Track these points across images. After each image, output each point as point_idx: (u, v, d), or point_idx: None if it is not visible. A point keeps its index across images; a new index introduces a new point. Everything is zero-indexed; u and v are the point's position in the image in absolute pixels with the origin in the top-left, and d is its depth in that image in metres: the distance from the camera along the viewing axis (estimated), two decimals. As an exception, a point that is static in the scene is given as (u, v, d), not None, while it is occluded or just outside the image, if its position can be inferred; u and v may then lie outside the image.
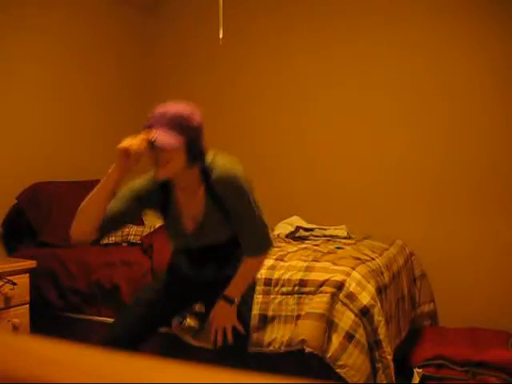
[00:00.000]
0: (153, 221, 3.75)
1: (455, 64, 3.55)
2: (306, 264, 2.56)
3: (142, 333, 2.10)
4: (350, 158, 3.85)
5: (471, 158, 3.50)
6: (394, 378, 2.29)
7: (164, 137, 1.76)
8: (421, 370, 2.59)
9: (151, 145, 1.79)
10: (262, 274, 2.52)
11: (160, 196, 2.01)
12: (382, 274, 2.65)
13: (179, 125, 1.78)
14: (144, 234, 3.32)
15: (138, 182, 2.08)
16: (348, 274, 2.41)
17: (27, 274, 2.86)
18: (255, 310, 2.45)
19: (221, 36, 2.50)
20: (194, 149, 1.84)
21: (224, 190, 1.87)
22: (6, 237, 3.31)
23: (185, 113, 1.81)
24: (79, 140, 3.91)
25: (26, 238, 3.31)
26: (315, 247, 3.02)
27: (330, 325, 2.30)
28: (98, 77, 4.09)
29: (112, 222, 1.97)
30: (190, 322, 2.57)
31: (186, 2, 4.44)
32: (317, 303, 2.34)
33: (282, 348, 2.36)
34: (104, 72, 4.14)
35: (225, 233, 2.00)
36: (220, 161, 1.89)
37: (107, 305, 2.85)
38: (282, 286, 2.47)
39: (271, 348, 2.38)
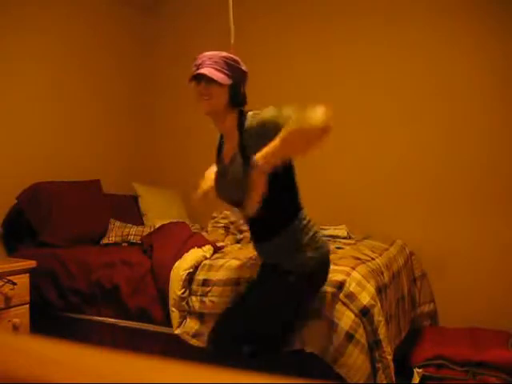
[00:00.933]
0: (153, 221, 3.76)
1: (455, 64, 3.55)
2: (306, 264, 2.55)
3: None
4: (350, 158, 3.85)
5: (471, 158, 3.50)
6: (393, 378, 2.29)
7: (213, 70, 1.89)
8: (421, 370, 2.59)
9: (200, 78, 1.91)
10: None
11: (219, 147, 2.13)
12: (382, 274, 2.65)
13: (228, 64, 1.93)
14: (144, 233, 3.32)
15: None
16: (348, 274, 2.41)
17: (27, 274, 2.86)
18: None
19: (232, 41, 2.56)
20: (238, 91, 1.98)
21: (250, 139, 1.92)
22: (6, 237, 3.31)
23: (234, 57, 1.97)
24: (79, 140, 3.91)
25: (26, 238, 3.31)
26: (315, 247, 3.01)
27: (329, 325, 2.30)
28: (98, 77, 4.09)
29: None
30: (190, 322, 2.57)
31: (186, 2, 4.44)
32: (317, 303, 2.34)
33: (284, 349, 2.36)
34: (104, 72, 4.14)
35: (241, 192, 1.93)
36: (257, 111, 1.98)
37: (107, 305, 2.85)
38: (282, 286, 2.47)
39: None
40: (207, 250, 2.84)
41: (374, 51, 3.77)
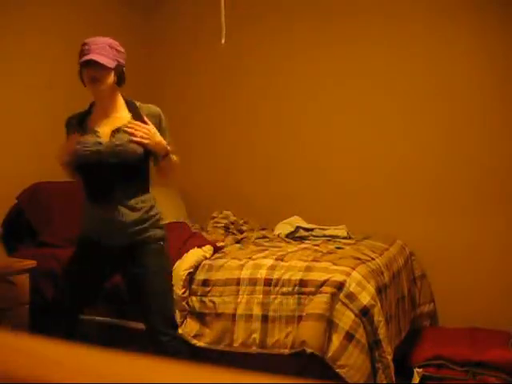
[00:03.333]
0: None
1: (455, 64, 3.55)
2: (305, 264, 2.56)
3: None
4: (350, 158, 3.85)
5: (471, 158, 3.50)
6: (393, 378, 2.29)
7: (100, 56, 2.13)
8: (421, 370, 2.59)
9: (90, 63, 2.13)
10: (263, 274, 2.53)
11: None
12: (382, 273, 2.65)
13: (110, 49, 2.18)
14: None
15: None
16: (348, 274, 2.41)
17: (27, 274, 2.85)
18: (256, 311, 2.45)
19: (223, 41, 2.62)
20: (122, 72, 2.28)
21: (155, 123, 2.27)
22: (6, 237, 3.30)
23: (113, 41, 2.22)
24: (79, 140, 3.91)
25: (26, 238, 3.30)
26: (315, 247, 3.02)
27: (330, 325, 2.30)
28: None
29: None
30: (190, 322, 2.57)
31: (186, 2, 4.44)
32: (317, 303, 2.35)
33: (286, 351, 2.36)
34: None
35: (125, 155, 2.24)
36: (140, 102, 2.42)
37: (107, 305, 2.85)
38: (282, 286, 2.47)
39: (275, 350, 2.39)
40: (207, 250, 2.84)
41: (374, 51, 3.77)
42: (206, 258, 2.76)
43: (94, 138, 2.18)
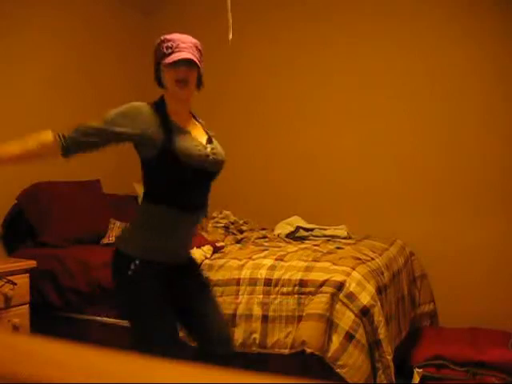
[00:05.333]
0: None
1: (456, 64, 3.55)
2: (306, 264, 2.56)
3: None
4: (351, 158, 3.85)
5: (471, 158, 3.50)
6: (393, 378, 2.29)
7: (193, 56, 1.88)
8: (421, 370, 2.59)
9: (180, 63, 1.87)
10: (263, 274, 2.53)
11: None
12: (382, 274, 2.65)
13: (197, 50, 1.92)
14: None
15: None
16: (348, 274, 2.41)
17: (27, 274, 2.85)
18: (256, 311, 2.45)
19: (230, 36, 2.47)
20: (201, 76, 1.99)
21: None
22: (6, 237, 3.31)
23: (197, 41, 1.95)
24: (79, 140, 3.91)
25: (26, 238, 3.31)
26: (315, 247, 3.02)
27: (330, 325, 2.30)
28: (99, 77, 4.09)
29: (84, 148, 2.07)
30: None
31: (187, 3, 4.44)
32: (317, 303, 2.34)
33: (286, 351, 2.36)
34: (105, 73, 4.14)
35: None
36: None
37: (107, 305, 2.85)
38: (282, 286, 2.47)
39: (276, 350, 2.39)
40: (207, 250, 2.84)
41: (374, 50, 3.77)
42: (205, 258, 2.76)
43: (197, 142, 1.93)
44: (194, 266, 2.11)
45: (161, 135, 1.87)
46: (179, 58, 1.85)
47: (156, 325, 1.91)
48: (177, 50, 1.87)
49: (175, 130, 1.89)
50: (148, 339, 1.92)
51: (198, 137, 1.96)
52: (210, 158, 1.92)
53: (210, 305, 2.05)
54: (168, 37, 1.90)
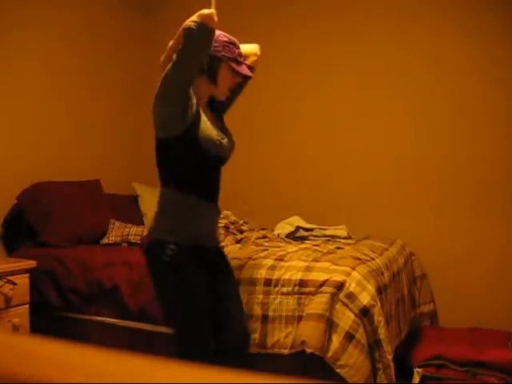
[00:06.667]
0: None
1: (457, 63, 3.55)
2: (306, 264, 2.56)
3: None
4: (350, 158, 3.85)
5: (471, 158, 3.50)
6: (393, 378, 2.29)
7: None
8: (421, 370, 2.59)
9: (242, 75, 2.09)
10: (262, 274, 2.52)
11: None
12: (382, 274, 2.65)
13: None
14: (144, 234, 3.32)
15: None
16: (348, 274, 2.41)
17: (27, 274, 2.85)
18: (256, 311, 2.45)
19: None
20: None
21: None
22: (6, 237, 3.31)
23: None
24: (79, 140, 3.91)
25: (26, 238, 3.31)
26: (315, 247, 3.02)
27: (330, 325, 2.30)
28: (99, 77, 4.09)
29: None
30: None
31: (187, 3, 4.44)
32: (317, 303, 2.34)
33: (286, 351, 2.36)
34: (105, 73, 4.14)
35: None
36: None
37: (107, 305, 2.85)
38: (282, 286, 2.47)
39: (275, 350, 2.39)
40: (207, 250, 2.84)
41: (374, 50, 3.77)
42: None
43: (215, 129, 2.05)
44: (223, 255, 2.23)
45: (192, 114, 1.95)
46: (249, 74, 2.10)
47: (197, 309, 1.98)
48: (243, 61, 2.09)
49: (200, 115, 2.00)
50: (190, 325, 2.00)
51: (211, 122, 2.06)
52: (224, 143, 2.06)
53: (235, 298, 2.20)
54: (237, 42, 2.09)
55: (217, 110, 2.21)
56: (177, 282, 1.96)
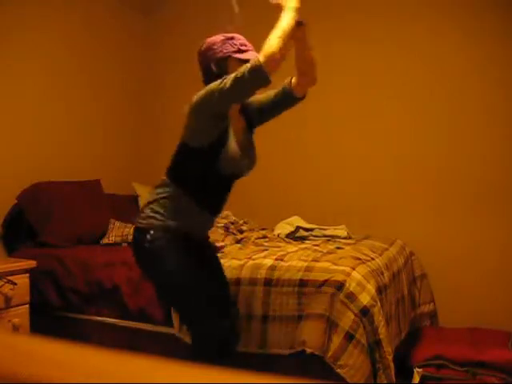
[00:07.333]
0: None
1: (457, 63, 3.55)
2: (306, 264, 2.55)
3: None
4: (350, 158, 3.85)
5: (471, 158, 3.50)
6: (393, 378, 2.29)
7: None
8: (421, 370, 2.59)
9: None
10: (263, 274, 2.53)
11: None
12: (382, 274, 2.65)
13: None
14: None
15: None
16: (348, 274, 2.41)
17: (27, 274, 2.86)
18: (256, 311, 2.45)
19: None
20: None
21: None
22: (6, 237, 3.31)
23: None
24: (79, 140, 3.91)
25: (26, 238, 3.31)
26: (315, 247, 3.02)
27: (330, 325, 2.30)
28: (99, 77, 4.09)
29: None
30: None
31: (187, 3, 4.44)
32: (317, 303, 2.34)
33: (286, 351, 2.36)
34: (105, 73, 4.14)
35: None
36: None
37: (107, 305, 2.85)
38: (282, 286, 2.47)
39: (275, 350, 2.39)
40: (207, 250, 2.84)
41: (374, 50, 3.77)
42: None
43: (237, 149, 2.06)
44: (212, 246, 2.33)
45: (220, 131, 1.98)
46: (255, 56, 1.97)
47: (192, 287, 2.03)
48: (250, 49, 2.06)
49: (228, 135, 2.03)
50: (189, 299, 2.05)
51: (239, 135, 2.08)
52: (245, 164, 2.08)
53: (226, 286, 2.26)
54: (236, 36, 2.07)
55: (249, 119, 2.21)
56: (163, 265, 1.99)
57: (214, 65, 2.04)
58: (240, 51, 2.04)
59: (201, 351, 2.03)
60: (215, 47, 2.05)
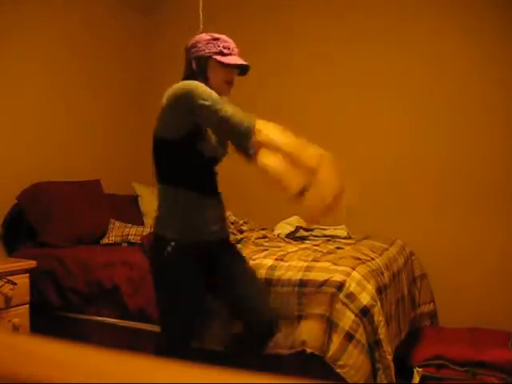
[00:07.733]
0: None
1: (457, 64, 3.55)
2: (306, 264, 2.56)
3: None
4: (350, 158, 3.85)
5: (471, 158, 3.50)
6: (394, 378, 2.29)
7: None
8: (421, 370, 2.59)
9: (239, 69, 2.10)
10: (263, 274, 2.53)
11: None
12: (382, 274, 2.65)
13: None
14: (144, 233, 3.32)
15: None
16: (348, 274, 2.41)
17: (27, 274, 2.86)
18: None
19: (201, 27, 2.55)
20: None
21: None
22: (6, 237, 3.31)
23: None
24: (79, 140, 3.91)
25: (26, 238, 3.31)
26: (315, 247, 3.02)
27: (330, 325, 2.30)
28: (98, 77, 4.09)
29: None
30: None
31: (187, 3, 4.43)
32: (317, 303, 2.34)
33: (286, 351, 2.36)
34: (104, 72, 4.14)
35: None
36: None
37: (107, 305, 2.85)
38: (282, 286, 2.47)
39: (275, 350, 2.38)
40: (207, 250, 2.83)
41: (374, 51, 3.77)
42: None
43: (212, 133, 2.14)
44: (230, 245, 2.28)
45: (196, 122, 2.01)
46: (239, 62, 2.04)
47: (188, 304, 2.06)
48: (234, 53, 2.06)
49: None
50: (179, 315, 2.09)
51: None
52: (220, 152, 2.13)
53: (251, 284, 2.23)
54: (223, 37, 2.07)
55: None
56: (173, 279, 2.04)
57: (194, 62, 2.07)
58: (222, 54, 2.04)
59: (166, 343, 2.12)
60: (199, 45, 2.07)
